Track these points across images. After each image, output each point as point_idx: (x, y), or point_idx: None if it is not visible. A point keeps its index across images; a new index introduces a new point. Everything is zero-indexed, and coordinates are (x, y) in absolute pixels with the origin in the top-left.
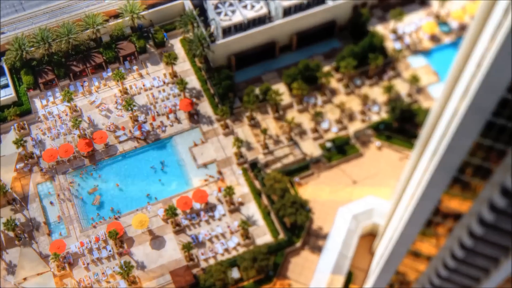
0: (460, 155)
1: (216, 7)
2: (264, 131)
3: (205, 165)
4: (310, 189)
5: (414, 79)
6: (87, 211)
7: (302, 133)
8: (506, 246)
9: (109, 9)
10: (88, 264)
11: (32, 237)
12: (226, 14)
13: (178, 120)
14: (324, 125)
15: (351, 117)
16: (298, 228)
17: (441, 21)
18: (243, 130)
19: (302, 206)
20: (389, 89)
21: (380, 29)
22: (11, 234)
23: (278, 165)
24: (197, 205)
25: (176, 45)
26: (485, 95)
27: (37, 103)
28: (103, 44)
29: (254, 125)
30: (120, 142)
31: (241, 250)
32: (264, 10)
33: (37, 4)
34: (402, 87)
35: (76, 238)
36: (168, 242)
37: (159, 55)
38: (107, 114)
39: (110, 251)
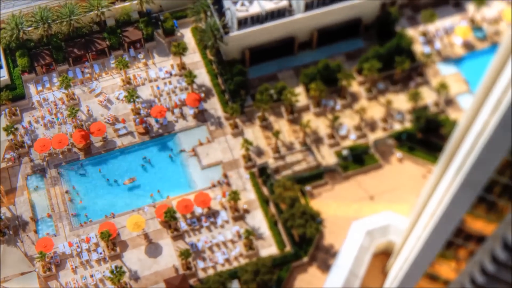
0: (488, 173)
1: None
2: (276, 134)
3: (210, 167)
4: (322, 200)
5: (443, 88)
6: (78, 209)
7: (318, 138)
8: None
9: None
10: (76, 266)
11: (17, 233)
12: (242, 4)
13: (183, 116)
14: (342, 131)
15: (371, 125)
16: (306, 242)
17: (475, 26)
18: (254, 131)
19: (312, 218)
20: (414, 96)
21: (409, 30)
22: None
23: (289, 171)
24: (198, 210)
25: (187, 34)
26: None
27: (32, 88)
28: (107, 29)
29: (266, 126)
30: (119, 136)
31: (243, 261)
32: (284, 2)
33: None
34: (429, 95)
35: (65, 237)
36: (165, 248)
37: (167, 44)
38: (107, 104)
39: (101, 253)
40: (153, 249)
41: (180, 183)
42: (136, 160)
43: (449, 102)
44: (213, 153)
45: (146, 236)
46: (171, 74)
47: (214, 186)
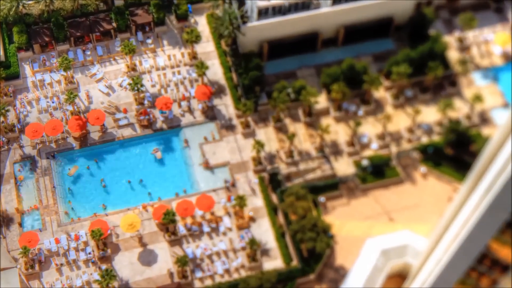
0: None
1: None
2: (291, 137)
3: (215, 167)
4: (335, 213)
5: (477, 99)
6: (68, 203)
7: (336, 145)
8: None
9: None
10: (61, 265)
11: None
12: None
13: (190, 110)
14: (363, 139)
15: (395, 134)
16: (315, 257)
17: None
18: (266, 132)
19: (324, 232)
20: (445, 107)
21: (444, 34)
22: None
23: (301, 179)
24: (200, 213)
25: (201, 21)
26: None
27: (27, 68)
28: (115, 9)
29: (280, 128)
30: (119, 127)
31: (245, 273)
32: None
33: None
34: (461, 107)
35: (52, 233)
36: (160, 253)
37: (179, 30)
38: (108, 91)
39: (90, 253)
40: (147, 253)
41: (181, 183)
42: (136, 154)
43: (483, 115)
44: (221, 152)
45: (140, 237)
46: (181, 63)
47: (228, 189)
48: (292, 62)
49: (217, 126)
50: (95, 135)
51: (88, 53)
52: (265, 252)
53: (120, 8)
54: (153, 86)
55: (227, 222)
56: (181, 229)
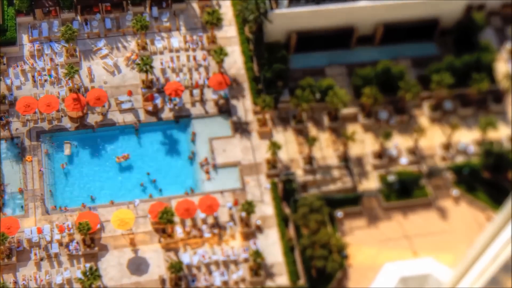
0: None
1: None
2: (312, 141)
3: (224, 167)
4: (352, 231)
5: None
6: (56, 190)
7: (361, 155)
8: None
9: None
10: (41, 259)
11: None
12: None
13: (203, 100)
14: (392, 152)
15: (429, 150)
16: (325, 278)
17: None
18: (285, 133)
19: (338, 250)
20: (486, 125)
21: (494, 44)
22: None
23: (319, 189)
24: (201, 216)
25: (225, 2)
26: None
27: (25, 34)
28: None
29: (301, 130)
30: (121, 111)
31: None
32: None
33: None
34: (504, 127)
35: (34, 221)
36: (153, 255)
37: (200, 10)
38: (113, 70)
39: (75, 248)
40: (139, 255)
41: (184, 180)
42: (137, 143)
43: None
44: (232, 150)
45: (132, 236)
46: (197, 47)
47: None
48: (322, 58)
49: (231, 120)
50: (93, 116)
51: (95, 24)
52: (270, 267)
53: None
54: (163, 69)
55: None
56: (179, 232)
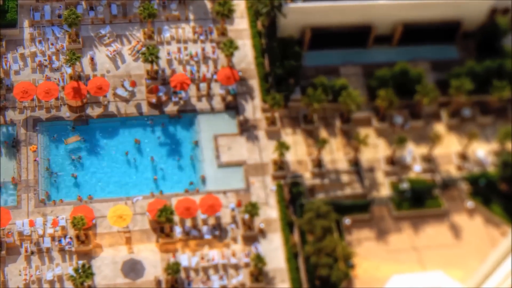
0: None
1: None
2: (322, 143)
3: (229, 166)
4: (360, 239)
5: None
6: (51, 182)
7: (373, 160)
8: None
9: None
10: (32, 253)
11: None
12: None
13: (210, 95)
14: (405, 159)
15: (444, 158)
16: (329, 287)
17: None
18: (294, 134)
19: (344, 259)
20: (505, 135)
21: None
22: None
23: (327, 194)
24: (202, 216)
25: None
26: None
27: (27, 17)
28: None
29: (311, 131)
30: (123, 101)
31: None
32: None
33: None
34: None
35: (27, 213)
36: (149, 255)
37: (211, 0)
38: (117, 58)
39: (68, 244)
40: (134, 254)
41: (186, 178)
42: (138, 136)
43: None
44: (237, 149)
45: (128, 234)
46: (206, 38)
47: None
48: (336, 56)
49: (238, 117)
50: (94, 107)
51: (100, 10)
52: (272, 273)
53: None
54: (170, 60)
55: (233, 230)
56: (178, 232)
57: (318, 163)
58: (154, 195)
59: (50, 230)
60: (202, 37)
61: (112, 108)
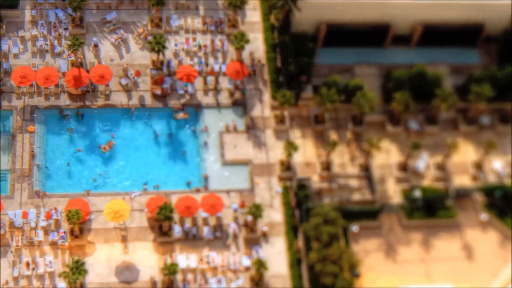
0: None
1: None
2: (333, 145)
3: (233, 164)
4: (366, 247)
5: None
6: (47, 172)
7: (384, 166)
8: None
9: None
10: (23, 245)
11: None
12: None
13: (217, 89)
14: (419, 165)
15: (459, 167)
16: None
17: None
18: (303, 134)
19: (350, 267)
20: None
21: None
22: None
23: (335, 199)
24: (203, 215)
25: None
26: None
27: None
28: None
29: (321, 132)
30: (126, 91)
31: None
32: None
33: None
34: None
35: (20, 203)
36: (146, 254)
37: None
38: (122, 46)
39: (61, 238)
40: (130, 252)
41: (188, 175)
42: (139, 130)
43: None
44: (243, 147)
45: (124, 231)
46: (216, 30)
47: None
48: (352, 55)
49: (245, 114)
50: (95, 95)
51: None
52: (273, 279)
53: None
54: (176, 50)
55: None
56: (177, 231)
57: (327, 166)
58: (153, 191)
59: (43, 223)
60: (212, 28)
61: (113, 98)
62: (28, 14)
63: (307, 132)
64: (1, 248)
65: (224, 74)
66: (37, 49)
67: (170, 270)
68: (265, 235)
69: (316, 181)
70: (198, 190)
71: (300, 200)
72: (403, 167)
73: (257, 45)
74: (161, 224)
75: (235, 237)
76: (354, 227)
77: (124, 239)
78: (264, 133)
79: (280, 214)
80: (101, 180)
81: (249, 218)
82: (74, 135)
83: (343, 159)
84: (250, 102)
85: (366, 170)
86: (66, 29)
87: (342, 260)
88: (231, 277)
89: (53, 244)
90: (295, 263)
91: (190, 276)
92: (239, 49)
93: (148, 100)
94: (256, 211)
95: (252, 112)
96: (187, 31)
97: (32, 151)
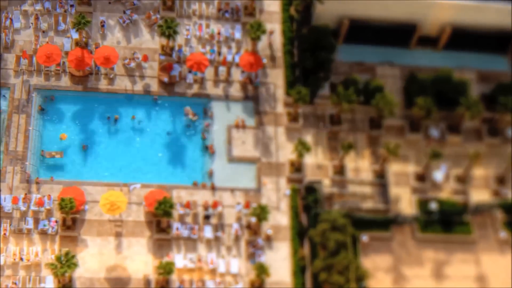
0: None
1: None
2: (347, 148)
3: (240, 161)
4: (376, 259)
5: None
6: (42, 156)
7: (401, 174)
8: None
9: None
10: (11, 233)
11: None
12: None
13: (228, 81)
14: (437, 176)
15: (480, 180)
16: None
17: None
18: (317, 134)
19: (357, 279)
20: None
21: None
22: None
23: (346, 205)
24: (204, 213)
25: None
26: None
27: None
28: None
29: (336, 133)
30: (131, 76)
31: None
32: None
33: None
34: None
35: (10, 188)
36: (141, 251)
37: None
38: (130, 29)
39: (52, 228)
40: (125, 247)
41: (191, 171)
42: (141, 117)
43: None
44: (252, 144)
45: (120, 225)
46: (232, 17)
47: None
48: (374, 54)
49: (257, 109)
50: (98, 78)
51: None
52: (274, 286)
53: None
54: (188, 37)
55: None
56: (175, 227)
57: (340, 170)
58: (153, 184)
59: (34, 208)
60: (227, 15)
61: (117, 82)
62: None
63: (321, 133)
64: None
65: (237, 65)
66: (40, 24)
67: (166, 269)
68: (269, 239)
69: (327, 185)
70: (204, 186)
71: (308, 204)
72: (421, 176)
73: (274, 36)
74: (159, 219)
75: (237, 238)
76: (364, 237)
77: (118, 234)
78: (275, 131)
79: (287, 217)
80: (98, 168)
81: (253, 219)
82: (74, 118)
83: (358, 164)
84: (263, 96)
85: (381, 177)
86: (72, 6)
87: (349, 270)
88: (229, 281)
89: (43, 233)
90: (299, 270)
91: (186, 277)
92: (255, 39)
93: (154, 87)
94: (261, 212)
95: (264, 108)
96: (200, 17)
97: (27, 132)
